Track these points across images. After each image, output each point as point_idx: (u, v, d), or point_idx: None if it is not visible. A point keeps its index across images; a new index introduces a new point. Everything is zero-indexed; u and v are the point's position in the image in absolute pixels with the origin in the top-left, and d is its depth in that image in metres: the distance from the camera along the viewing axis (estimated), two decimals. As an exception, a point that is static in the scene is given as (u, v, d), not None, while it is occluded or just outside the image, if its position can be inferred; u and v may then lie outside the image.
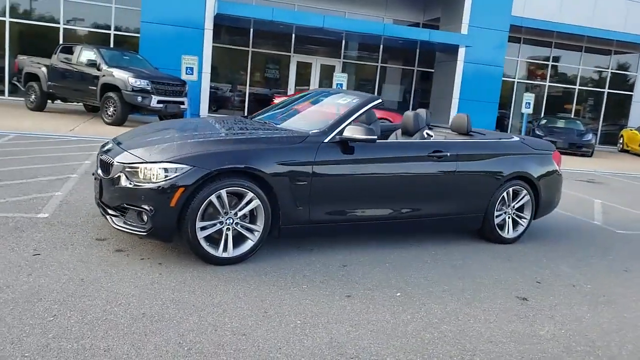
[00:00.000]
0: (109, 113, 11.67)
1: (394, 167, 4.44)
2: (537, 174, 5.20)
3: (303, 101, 5.35)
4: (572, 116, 20.62)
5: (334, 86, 15.16)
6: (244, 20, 15.89)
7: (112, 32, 16.28)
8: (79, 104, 13.59)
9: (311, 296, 3.44)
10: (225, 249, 3.79)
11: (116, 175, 3.76)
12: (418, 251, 4.64)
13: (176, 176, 3.60)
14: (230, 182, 3.71)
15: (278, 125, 4.61)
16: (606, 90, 22.04)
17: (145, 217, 3.66)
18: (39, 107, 12.90)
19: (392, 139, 5.41)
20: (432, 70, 19.67)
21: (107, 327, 2.76)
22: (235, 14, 14.85)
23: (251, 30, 17.87)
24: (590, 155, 16.47)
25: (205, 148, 3.79)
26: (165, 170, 3.62)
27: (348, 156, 4.19)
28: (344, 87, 15.04)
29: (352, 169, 4.24)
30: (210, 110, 16.38)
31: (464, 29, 17.35)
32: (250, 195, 3.78)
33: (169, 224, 3.64)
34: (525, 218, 5.22)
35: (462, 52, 17.56)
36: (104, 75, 11.70)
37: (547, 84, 21.48)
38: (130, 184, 3.68)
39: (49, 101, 13.15)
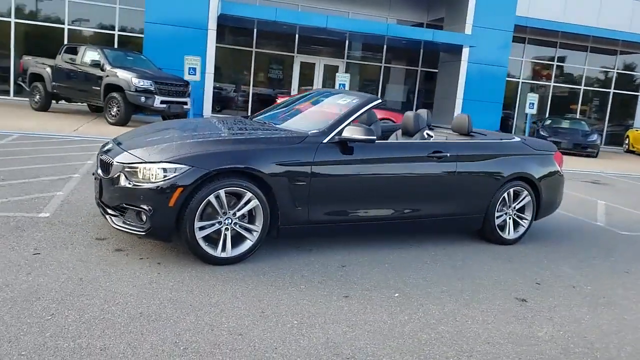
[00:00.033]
0: (113, 113, 11.72)
1: (393, 167, 4.43)
2: (538, 174, 5.17)
3: (303, 101, 5.35)
4: (578, 116, 20.53)
5: (337, 87, 15.15)
6: (247, 21, 15.92)
7: (116, 32, 16.35)
8: (83, 104, 13.66)
9: (309, 296, 3.44)
10: (223, 249, 3.80)
11: (116, 175, 3.77)
12: (418, 252, 4.63)
13: (175, 176, 3.61)
14: (229, 182, 3.72)
15: (278, 126, 4.61)
16: (612, 90, 21.93)
17: (144, 217, 3.67)
18: (44, 107, 12.97)
19: (392, 139, 5.39)
20: (436, 71, 19.64)
21: (104, 326, 2.78)
22: (238, 14, 14.89)
23: (255, 30, 17.90)
24: (596, 156, 16.40)
25: (204, 148, 3.80)
26: (164, 170, 3.64)
27: (347, 156, 4.19)
28: (347, 88, 15.02)
29: (351, 169, 4.23)
30: (214, 110, 16.42)
31: (468, 29, 17.30)
32: (249, 195, 3.79)
33: (167, 223, 3.65)
34: (526, 219, 5.20)
35: (466, 52, 17.52)
36: (107, 76, 11.75)
37: (552, 84, 21.39)
38: (129, 183, 3.70)
39: (54, 101, 13.22)
